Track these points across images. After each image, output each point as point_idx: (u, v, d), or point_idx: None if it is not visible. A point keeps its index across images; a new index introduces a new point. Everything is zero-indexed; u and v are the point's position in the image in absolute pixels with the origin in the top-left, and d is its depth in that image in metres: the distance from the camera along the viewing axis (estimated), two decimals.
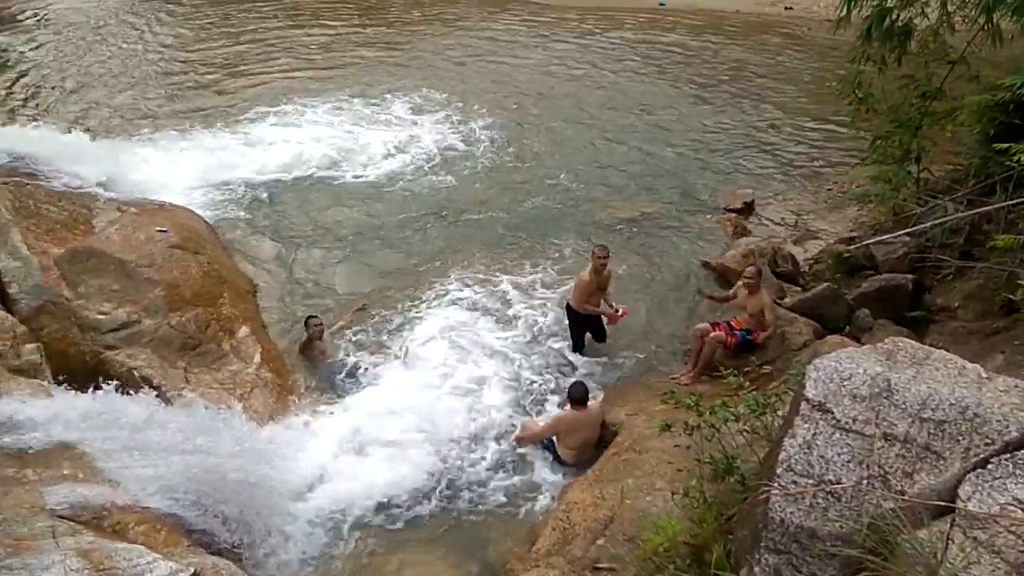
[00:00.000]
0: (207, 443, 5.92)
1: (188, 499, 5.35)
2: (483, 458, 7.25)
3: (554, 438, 7.17)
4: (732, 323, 7.94)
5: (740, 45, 18.68)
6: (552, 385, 8.19)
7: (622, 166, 12.68)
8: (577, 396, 7.01)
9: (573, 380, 7.41)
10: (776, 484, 3.18)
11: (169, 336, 7.85)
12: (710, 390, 7.31)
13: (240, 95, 15.31)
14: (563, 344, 8.68)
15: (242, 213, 11.08)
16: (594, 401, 7.16)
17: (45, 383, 5.87)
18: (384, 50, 18.44)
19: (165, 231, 9.04)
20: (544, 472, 7.06)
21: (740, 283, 7.97)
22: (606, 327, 8.63)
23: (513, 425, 7.52)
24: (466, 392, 8.02)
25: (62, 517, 4.36)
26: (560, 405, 7.64)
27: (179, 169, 11.75)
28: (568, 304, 8.42)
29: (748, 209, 11.29)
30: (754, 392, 5.07)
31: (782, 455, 3.26)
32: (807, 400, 3.41)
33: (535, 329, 8.92)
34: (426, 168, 12.51)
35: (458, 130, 13.80)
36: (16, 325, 6.22)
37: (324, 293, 9.54)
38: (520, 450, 7.33)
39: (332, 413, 7.69)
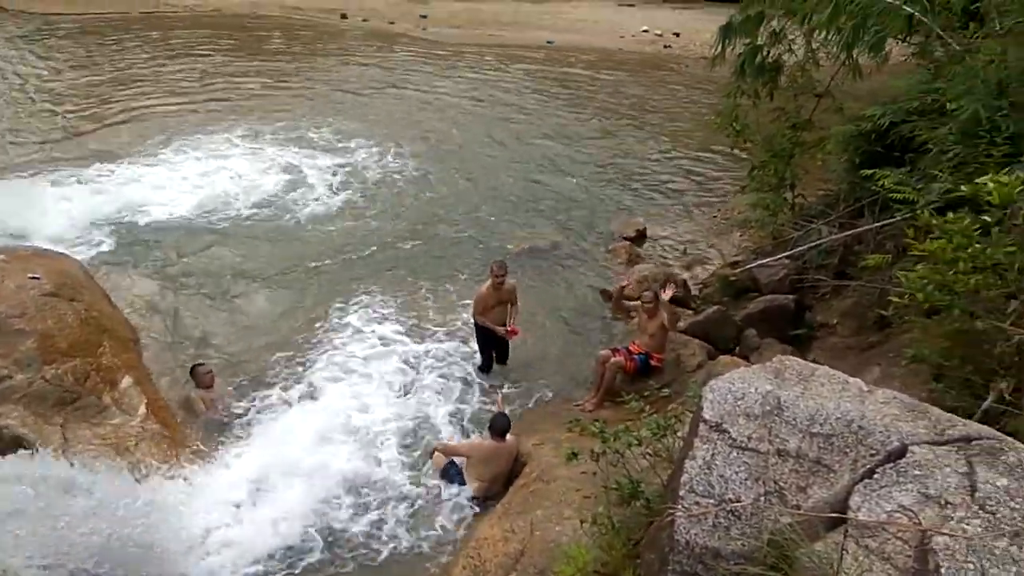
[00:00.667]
0: (86, 504, 5.52)
1: (65, 567, 4.93)
2: (386, 501, 7.06)
3: (464, 471, 7.08)
4: (631, 348, 8.13)
5: (631, 80, 19.49)
6: (454, 413, 8.16)
7: (525, 196, 12.90)
8: (498, 428, 7.01)
9: (497, 412, 7.39)
10: (680, 506, 3.23)
11: (44, 391, 7.28)
12: (613, 415, 7.40)
13: (119, 132, 14.69)
14: (467, 370, 8.68)
15: (122, 257, 10.55)
16: (512, 437, 7.14)
17: None
18: (273, 82, 18.14)
19: (38, 278, 8.43)
20: (452, 510, 6.95)
21: (639, 304, 8.20)
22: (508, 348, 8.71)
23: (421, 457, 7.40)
24: (365, 431, 7.83)
25: None
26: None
27: (53, 211, 11.07)
28: (474, 319, 8.55)
29: (641, 237, 11.67)
30: (654, 415, 5.19)
31: (684, 477, 3.33)
32: (705, 421, 3.51)
33: (437, 359, 8.86)
34: (323, 207, 12.31)
35: (357, 163, 13.71)
36: None
37: (213, 339, 9.15)
38: (433, 482, 7.21)
39: (224, 465, 7.33)
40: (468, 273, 10.56)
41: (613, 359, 7.96)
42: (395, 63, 20.17)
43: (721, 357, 7.93)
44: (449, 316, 9.57)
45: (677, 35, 23.87)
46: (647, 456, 4.67)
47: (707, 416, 3.52)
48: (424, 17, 25.91)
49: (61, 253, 9.97)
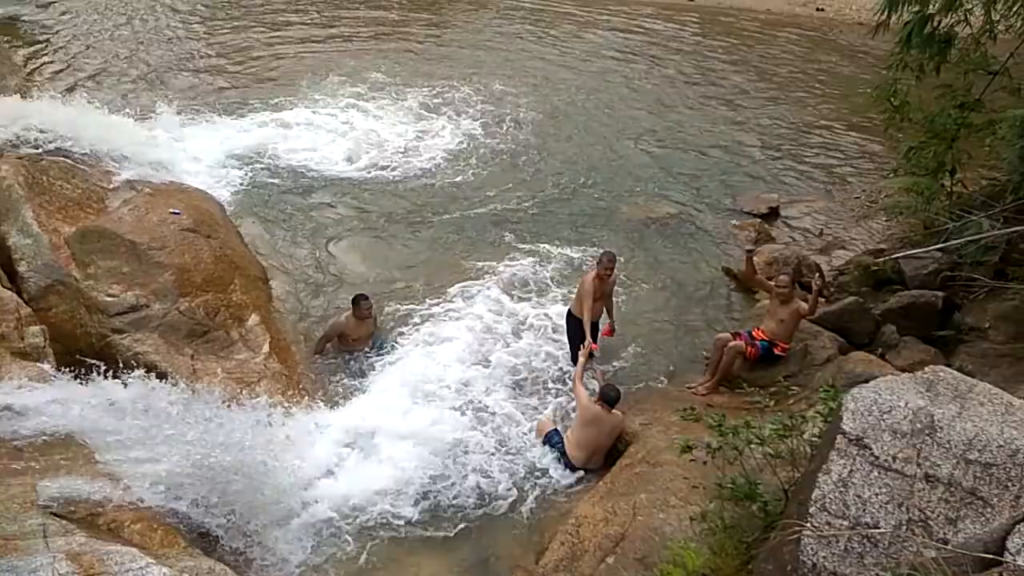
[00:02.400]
0: (211, 436, 5.77)
1: (188, 495, 5.18)
2: (485, 463, 7.04)
3: (565, 439, 6.98)
4: (754, 333, 7.70)
5: (771, 46, 18.32)
6: (556, 390, 8.00)
7: (646, 165, 12.44)
8: (609, 398, 6.85)
9: (607, 383, 7.23)
10: (808, 524, 2.96)
11: (177, 322, 7.69)
12: (728, 402, 7.11)
13: (265, 78, 15.09)
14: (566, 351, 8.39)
15: (258, 198, 10.91)
16: (618, 412, 6.96)
17: (47, 368, 5.71)
18: (411, 31, 18.20)
19: (178, 213, 8.88)
20: (554, 481, 6.87)
21: (771, 285, 7.72)
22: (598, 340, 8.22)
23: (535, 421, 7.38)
24: (473, 390, 7.84)
25: (55, 514, 4.20)
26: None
27: (197, 150, 11.56)
28: (570, 311, 8.15)
29: (772, 215, 11.02)
30: (778, 412, 4.87)
31: (815, 492, 3.05)
32: (844, 434, 3.19)
33: (543, 332, 8.67)
34: (449, 161, 12.27)
35: (483, 123, 13.55)
36: (21, 306, 6.08)
37: (338, 283, 9.35)
38: (534, 447, 7.16)
39: (338, 409, 7.53)
40: (586, 239, 10.30)
41: (733, 343, 7.57)
42: (536, 15, 19.81)
43: (854, 353, 7.39)
44: (562, 282, 9.38)
45: None
46: (768, 457, 4.37)
47: (847, 428, 3.20)
48: None
49: (201, 190, 10.45)
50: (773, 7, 21.53)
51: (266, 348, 8.03)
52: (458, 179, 11.75)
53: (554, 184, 11.73)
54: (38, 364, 5.65)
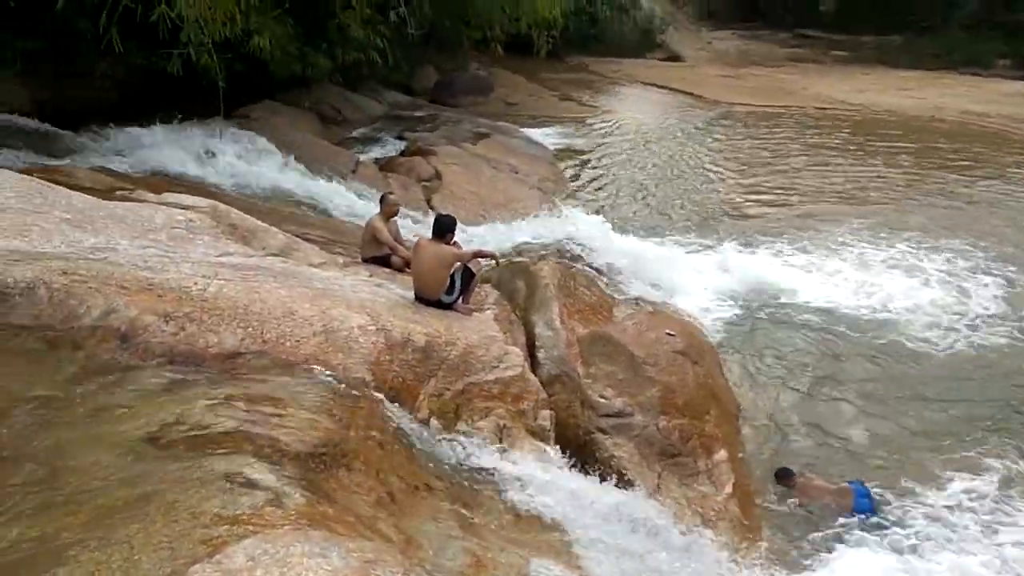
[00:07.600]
0: (670, 565, 5.66)
1: None
2: None
3: None
4: None
5: None
6: None
7: None
8: None
9: None
10: None
11: (653, 437, 7.87)
12: None
13: (771, 220, 15.41)
14: None
15: (745, 334, 10.89)
16: None
17: (547, 449, 6.28)
18: (930, 187, 16.97)
19: (672, 335, 9.29)
20: None
21: None
22: None
23: None
24: None
25: None
26: None
27: (697, 279, 12.13)
28: None
29: None
30: None
31: None
32: None
33: None
34: (981, 330, 10.87)
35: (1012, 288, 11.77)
36: (540, 391, 6.83)
37: (817, 439, 8.71)
38: None
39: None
40: None
41: None
42: None
43: None
44: None
45: None
46: None
47: None
48: None
49: (693, 317, 10.86)
50: None
51: (729, 488, 7.75)
52: (961, 358, 10.23)
53: None
54: (543, 444, 6.25)
